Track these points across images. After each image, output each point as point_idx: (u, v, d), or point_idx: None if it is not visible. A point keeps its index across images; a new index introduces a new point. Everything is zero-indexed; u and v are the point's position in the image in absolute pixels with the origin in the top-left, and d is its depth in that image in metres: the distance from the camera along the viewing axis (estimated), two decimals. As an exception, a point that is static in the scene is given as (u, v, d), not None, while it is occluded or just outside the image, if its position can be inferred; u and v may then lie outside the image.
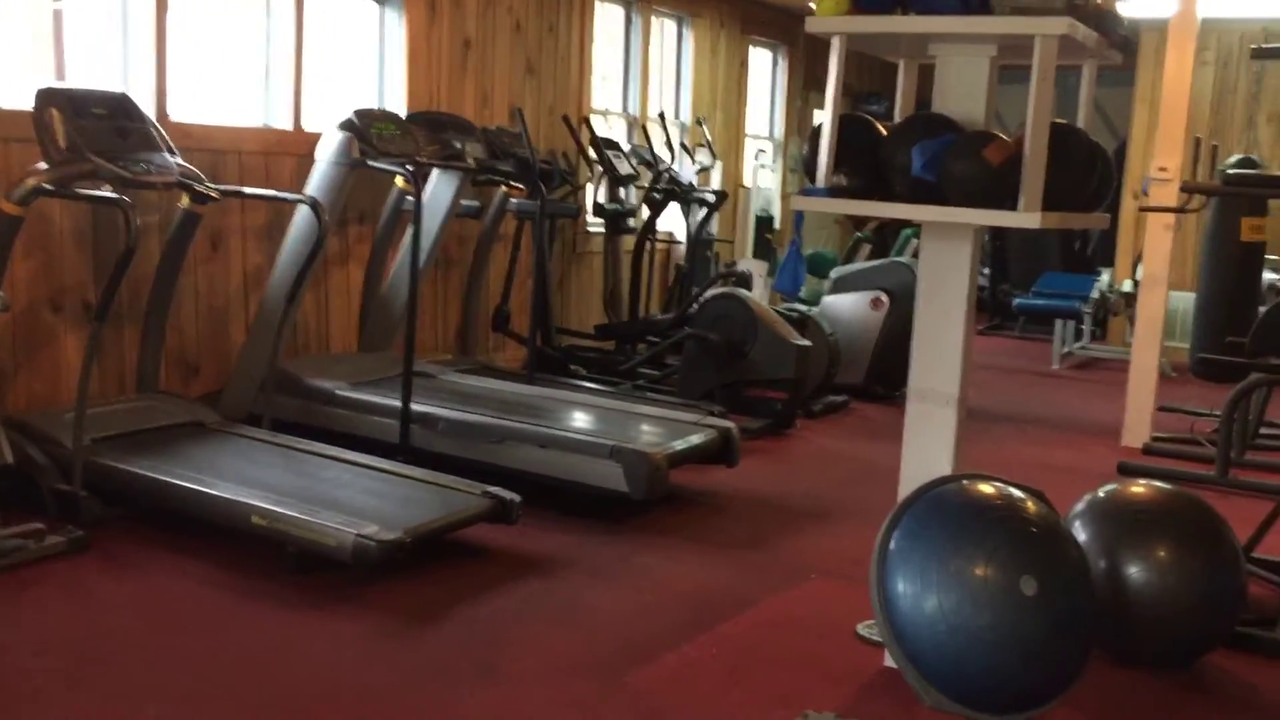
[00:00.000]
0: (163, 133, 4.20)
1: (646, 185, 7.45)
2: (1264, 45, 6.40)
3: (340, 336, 5.87)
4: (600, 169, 7.04)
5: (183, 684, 2.92)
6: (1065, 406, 7.35)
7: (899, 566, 2.92)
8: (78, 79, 4.66)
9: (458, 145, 5.47)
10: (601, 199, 7.14)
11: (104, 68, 4.84)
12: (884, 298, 7.00)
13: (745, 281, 6.70)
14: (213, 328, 5.20)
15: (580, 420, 4.98)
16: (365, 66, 6.13)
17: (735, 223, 9.19)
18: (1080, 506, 3.42)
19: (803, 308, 7.00)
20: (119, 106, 4.08)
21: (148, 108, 4.47)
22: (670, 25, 8.60)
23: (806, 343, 6.15)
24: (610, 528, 4.32)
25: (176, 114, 4.96)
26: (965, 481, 3.05)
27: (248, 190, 4.66)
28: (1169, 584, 3.21)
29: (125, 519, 4.02)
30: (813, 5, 2.86)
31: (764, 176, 9.62)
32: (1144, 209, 5.94)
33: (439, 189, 5.60)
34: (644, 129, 8.14)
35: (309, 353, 5.66)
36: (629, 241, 7.54)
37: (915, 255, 9.26)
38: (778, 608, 3.69)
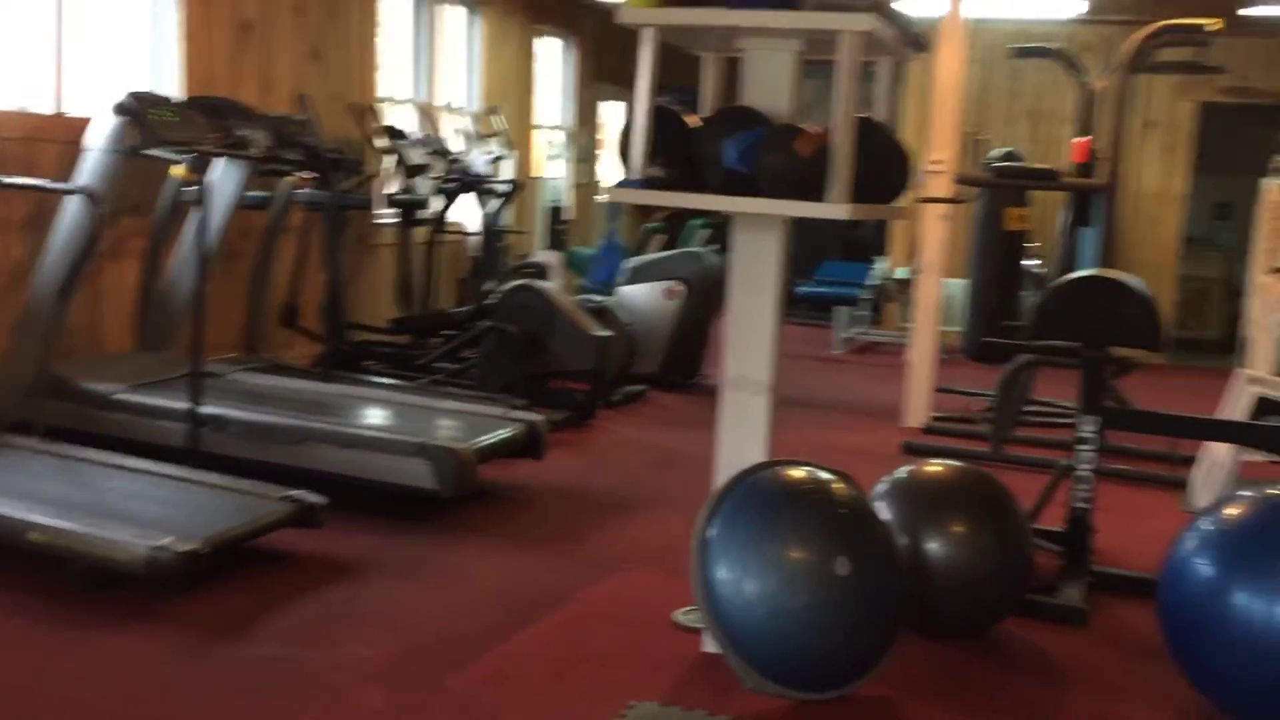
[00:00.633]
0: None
1: (439, 176, 7.31)
2: (1025, 45, 6.82)
3: (115, 336, 5.51)
4: (390, 159, 6.85)
5: (-40, 719, 2.68)
6: (849, 390, 7.66)
7: (719, 553, 2.97)
8: None
9: (242, 133, 5.21)
10: (393, 189, 6.95)
11: None
12: (678, 287, 7.11)
13: (543, 273, 6.68)
14: (-30, 329, 4.79)
15: (383, 418, 4.85)
16: (136, 48, 5.76)
17: (528, 214, 9.15)
18: (882, 487, 3.56)
19: (599, 298, 7.03)
20: None
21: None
22: (460, 12, 8.46)
23: (607, 333, 6.18)
24: (419, 527, 4.22)
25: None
26: (778, 467, 3.12)
27: (8, 180, 4.31)
28: (965, 557, 3.38)
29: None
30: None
31: (555, 167, 9.60)
32: (922, 200, 6.24)
33: (222, 179, 5.33)
34: (434, 118, 7.99)
35: (80, 354, 5.29)
36: (421, 233, 7.39)
37: (704, 244, 9.46)
38: (594, 600, 3.69)
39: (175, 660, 3.05)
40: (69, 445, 4.20)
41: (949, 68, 6.25)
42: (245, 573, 3.65)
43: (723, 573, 2.95)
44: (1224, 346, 10.13)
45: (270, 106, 6.21)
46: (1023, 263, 7.44)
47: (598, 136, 10.68)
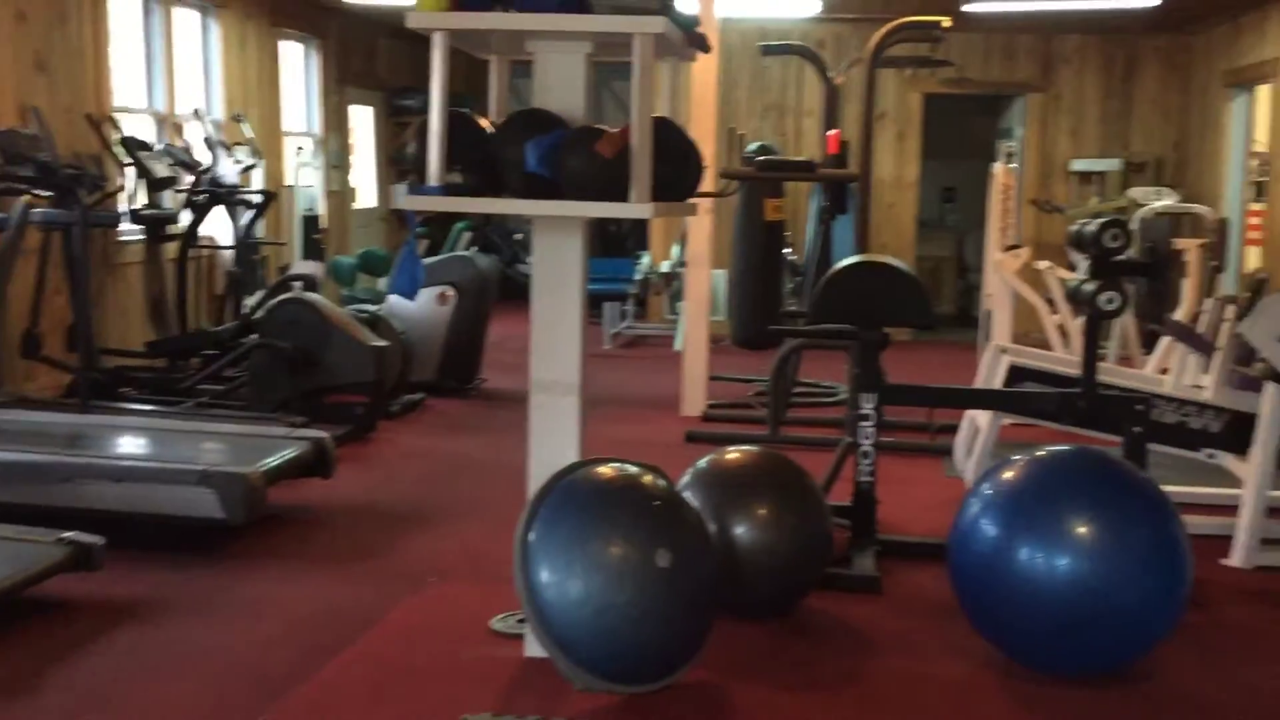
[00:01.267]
0: None
1: (186, 188, 6.94)
2: (772, 43, 7.10)
3: None
4: (133, 172, 6.45)
5: None
6: (624, 384, 7.77)
7: (541, 556, 2.96)
8: None
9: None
10: (137, 204, 6.55)
11: None
12: (450, 292, 7.02)
13: (312, 285, 6.45)
14: None
15: (156, 447, 4.57)
16: None
17: (282, 224, 8.81)
18: (687, 478, 3.64)
19: (371, 307, 6.87)
20: None
21: None
22: (194, 16, 8.04)
23: (384, 343, 6.04)
24: (208, 559, 4.01)
25: None
26: (591, 467, 3.14)
27: None
28: (770, 538, 3.51)
29: None
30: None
31: (306, 174, 9.29)
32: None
33: (-51, 200, 4.89)
34: (176, 127, 7.57)
35: None
36: (171, 249, 7.00)
37: (470, 247, 9.38)
38: (406, 616, 3.61)
39: (-46, 730, 2.80)
40: None
41: (705, 65, 6.43)
42: (21, 627, 3.37)
43: (546, 575, 2.94)
44: (958, 320, 10.90)
45: (-7, 121, 5.74)
46: (782, 251, 7.77)
47: (349, 142, 10.40)
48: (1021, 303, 6.09)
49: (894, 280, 4.07)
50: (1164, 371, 5.14)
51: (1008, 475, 3.32)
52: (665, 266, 9.40)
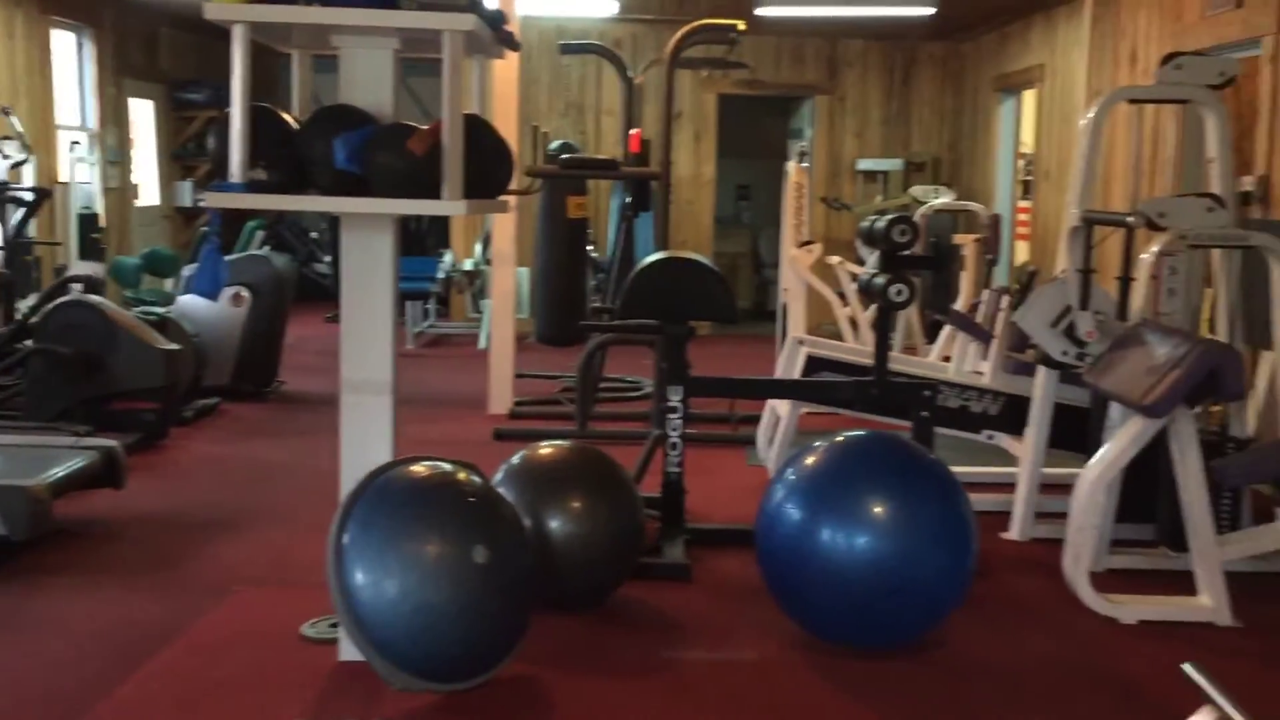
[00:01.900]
0: None
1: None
2: (572, 42, 7.16)
3: None
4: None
5: None
6: (430, 383, 7.69)
7: (355, 558, 2.92)
8: None
9: None
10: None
11: None
12: (244, 293, 6.80)
13: (95, 286, 6.12)
14: None
15: (-75, 461, 4.26)
16: None
17: (57, 223, 8.31)
18: (501, 474, 3.65)
19: (159, 309, 6.58)
20: None
21: None
22: (-48, 0, 7.50)
23: (175, 346, 5.79)
24: (-11, 579, 3.78)
25: None
26: (405, 466, 3.11)
27: None
28: (585, 531, 3.56)
29: None
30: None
31: (83, 171, 8.80)
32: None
33: None
34: (-65, 119, 7.05)
35: None
36: (-67, 250, 6.53)
37: (263, 246, 9.10)
38: (211, 627, 3.49)
39: None
40: None
41: (507, 63, 6.42)
42: None
43: (361, 577, 2.91)
44: (755, 314, 11.24)
45: None
46: (585, 249, 7.84)
47: (129, 136, 9.90)
48: (815, 296, 6.34)
49: (699, 276, 4.18)
50: (946, 359, 5.46)
51: (808, 461, 3.47)
52: (468, 264, 9.35)
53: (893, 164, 10.35)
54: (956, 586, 3.38)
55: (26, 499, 3.82)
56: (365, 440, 3.11)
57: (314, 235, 10.69)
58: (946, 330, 6.23)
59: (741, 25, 5.81)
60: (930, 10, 8.21)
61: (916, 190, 9.55)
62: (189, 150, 10.68)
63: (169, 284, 8.69)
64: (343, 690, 3.06)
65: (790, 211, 6.76)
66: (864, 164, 10.45)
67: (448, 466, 3.15)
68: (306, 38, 3.05)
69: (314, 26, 2.85)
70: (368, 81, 2.93)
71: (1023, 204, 9.17)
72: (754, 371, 6.60)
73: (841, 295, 6.83)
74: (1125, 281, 4.28)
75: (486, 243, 8.87)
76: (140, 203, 10.14)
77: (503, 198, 3.18)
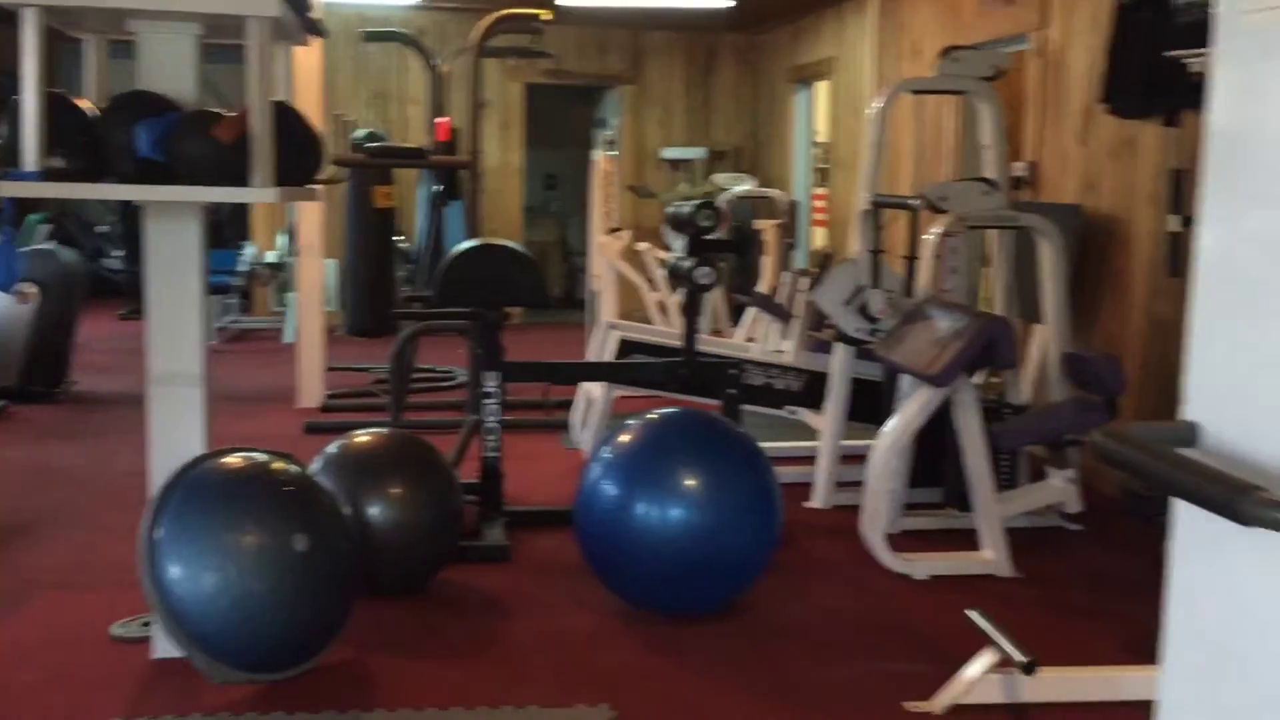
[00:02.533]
0: None
1: None
2: (375, 30, 7.08)
3: None
4: None
5: None
6: (234, 379, 7.48)
7: (170, 552, 2.88)
8: None
9: None
10: None
11: None
12: (31, 289, 6.46)
13: None
14: None
15: None
16: None
17: None
18: (317, 464, 3.63)
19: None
20: None
21: None
22: None
23: (-43, 346, 5.49)
24: None
25: None
26: (219, 457, 3.08)
27: None
28: (404, 517, 3.59)
29: None
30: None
31: None
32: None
33: None
34: None
35: None
36: None
37: (48, 241, 8.65)
38: (13, 633, 3.37)
39: None
40: None
41: (309, 51, 6.32)
42: None
43: (177, 571, 2.87)
44: (565, 302, 11.35)
45: None
46: (393, 238, 7.77)
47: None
48: (624, 282, 6.50)
49: (512, 262, 4.25)
50: (751, 340, 5.69)
51: (623, 439, 3.60)
52: (271, 257, 9.12)
53: (696, 152, 10.61)
54: (763, 553, 3.56)
55: None
56: (176, 434, 3.05)
57: (101, 229, 10.22)
58: (750, 312, 6.48)
59: (545, 15, 5.89)
60: (729, 3, 8.47)
61: (719, 178, 9.83)
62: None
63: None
64: (157, 688, 3.01)
65: (599, 199, 6.90)
66: (669, 152, 10.68)
67: (263, 456, 3.14)
68: (101, 22, 2.97)
69: (108, 11, 2.78)
70: (168, 68, 2.88)
71: (818, 191, 9.57)
72: (566, 358, 6.70)
73: (650, 281, 7.01)
74: (911, 261, 4.57)
75: (290, 234, 8.68)
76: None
77: (311, 186, 3.18)
